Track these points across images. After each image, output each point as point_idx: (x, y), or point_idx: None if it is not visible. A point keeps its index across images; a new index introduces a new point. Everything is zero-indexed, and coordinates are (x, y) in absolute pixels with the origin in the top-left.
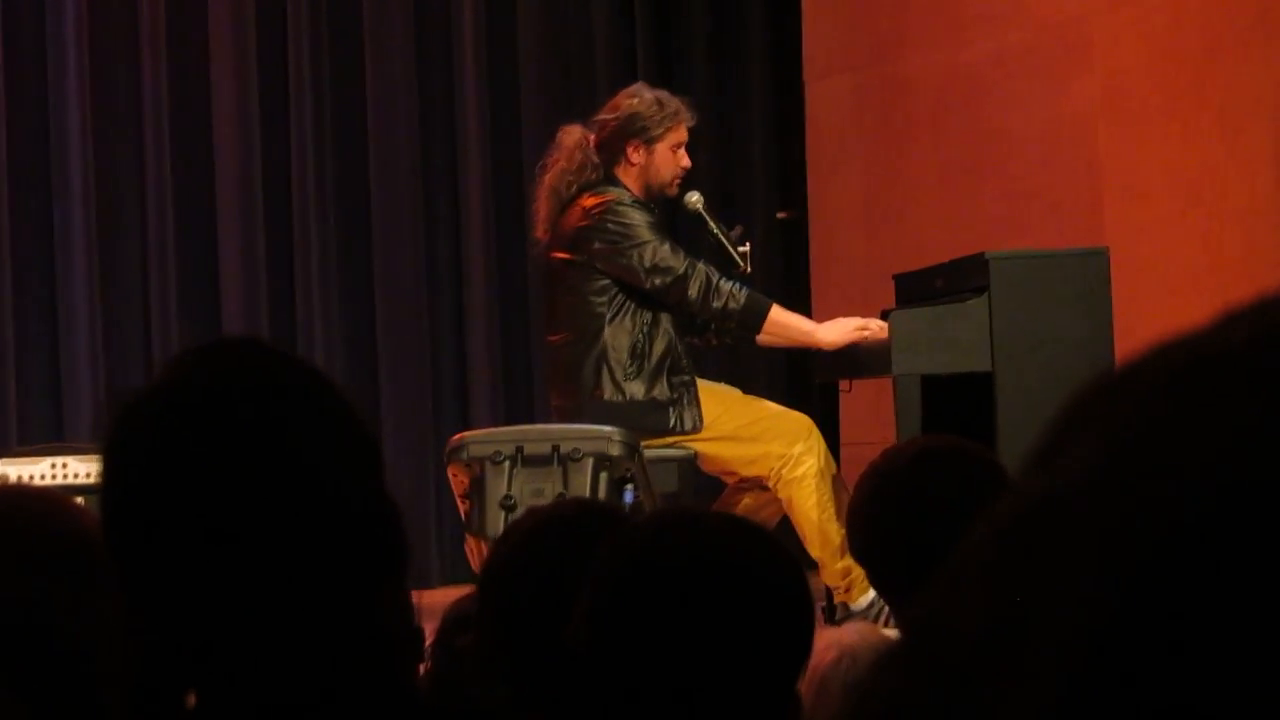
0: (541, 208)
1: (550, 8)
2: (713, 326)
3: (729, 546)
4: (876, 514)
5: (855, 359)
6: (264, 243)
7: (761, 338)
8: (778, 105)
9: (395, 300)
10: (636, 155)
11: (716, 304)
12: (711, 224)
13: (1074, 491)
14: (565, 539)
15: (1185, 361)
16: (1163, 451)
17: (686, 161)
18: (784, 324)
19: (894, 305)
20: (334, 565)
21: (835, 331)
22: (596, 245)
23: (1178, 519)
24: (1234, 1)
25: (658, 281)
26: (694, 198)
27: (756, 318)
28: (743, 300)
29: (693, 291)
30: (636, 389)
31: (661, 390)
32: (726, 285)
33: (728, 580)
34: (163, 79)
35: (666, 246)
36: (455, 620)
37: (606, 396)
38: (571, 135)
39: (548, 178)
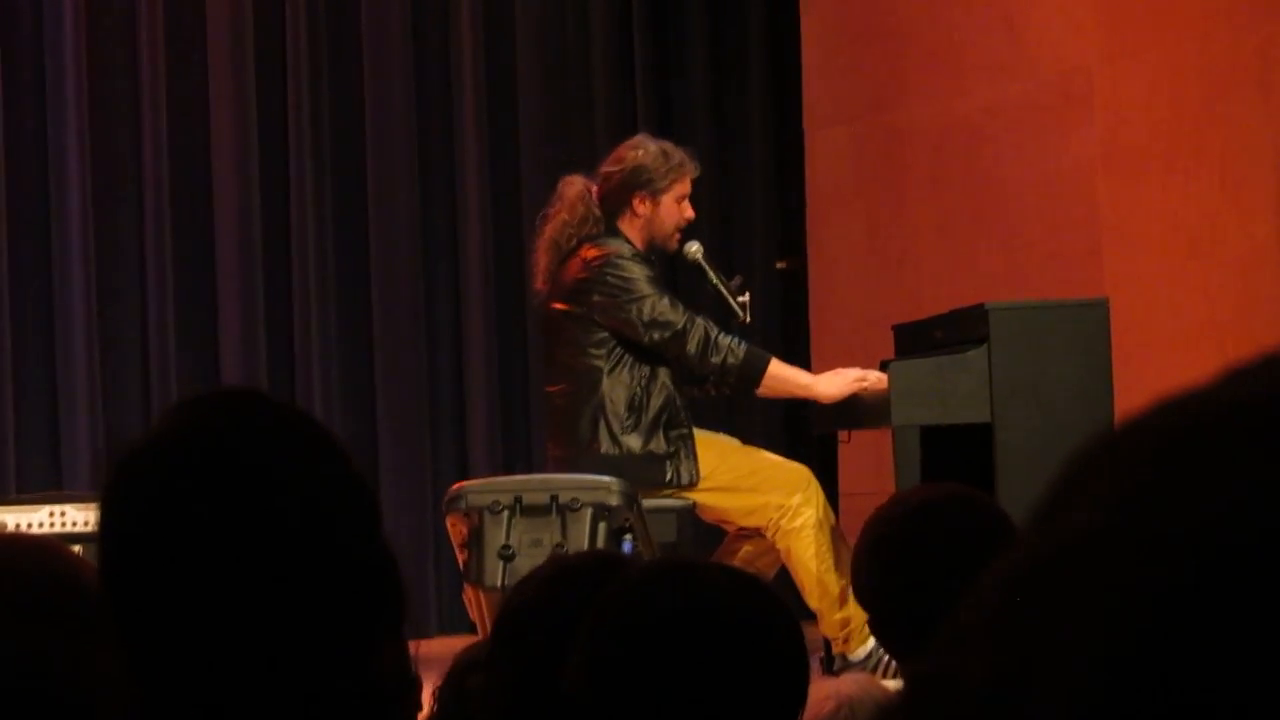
0: (541, 259)
1: (550, 56)
2: (711, 379)
3: (724, 596)
4: (881, 559)
5: (854, 410)
6: (263, 291)
7: (760, 390)
8: (777, 155)
9: (394, 349)
10: (642, 207)
11: (715, 359)
12: (711, 274)
13: (1078, 549)
14: (583, 588)
15: (1189, 418)
16: (1166, 509)
17: (690, 213)
18: (783, 378)
19: (893, 356)
20: (332, 615)
21: (834, 384)
22: (595, 298)
23: (1182, 577)
24: (1234, 53)
25: (656, 336)
26: (694, 248)
27: (755, 373)
28: (741, 355)
29: (691, 347)
30: (633, 442)
31: (658, 444)
32: (725, 340)
33: (723, 630)
34: (163, 134)
35: (665, 300)
36: (468, 663)
37: (603, 450)
38: (573, 187)
39: (548, 229)
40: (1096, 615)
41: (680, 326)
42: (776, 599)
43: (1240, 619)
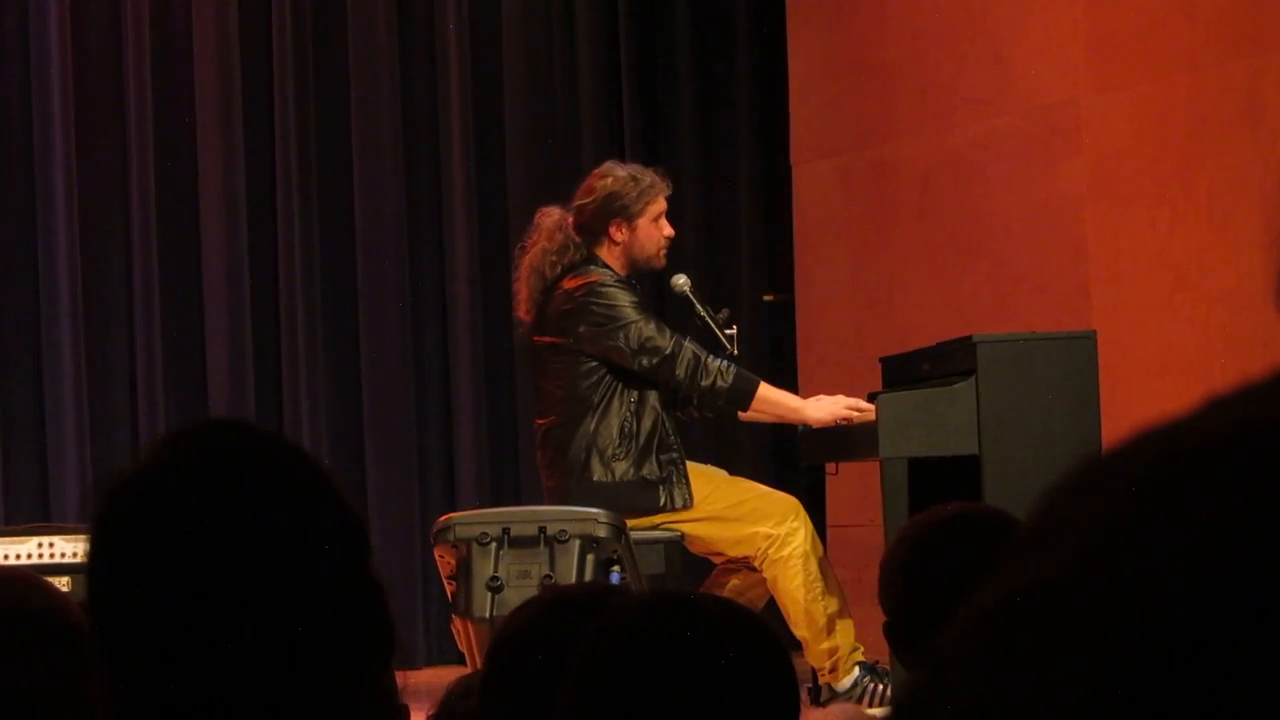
0: (523, 287)
1: (536, 93)
2: (699, 401)
3: (715, 627)
4: (909, 573)
5: (842, 441)
6: (250, 320)
7: (747, 413)
8: (764, 188)
9: (381, 382)
10: (620, 234)
11: (705, 381)
12: (699, 307)
13: (1058, 579)
14: (576, 617)
15: (1170, 448)
16: (1146, 540)
17: (669, 230)
18: (772, 400)
19: (881, 388)
20: (320, 645)
21: (823, 410)
22: (582, 328)
23: (1161, 608)
24: (1221, 85)
25: (645, 362)
26: (681, 281)
27: (745, 396)
28: (731, 378)
29: (680, 370)
30: (626, 469)
31: (650, 469)
32: (714, 363)
33: (714, 661)
34: (150, 168)
35: (652, 325)
36: (464, 691)
37: (596, 478)
38: (550, 217)
39: (528, 258)
40: (1076, 647)
41: (669, 350)
42: (768, 630)
43: (1217, 652)
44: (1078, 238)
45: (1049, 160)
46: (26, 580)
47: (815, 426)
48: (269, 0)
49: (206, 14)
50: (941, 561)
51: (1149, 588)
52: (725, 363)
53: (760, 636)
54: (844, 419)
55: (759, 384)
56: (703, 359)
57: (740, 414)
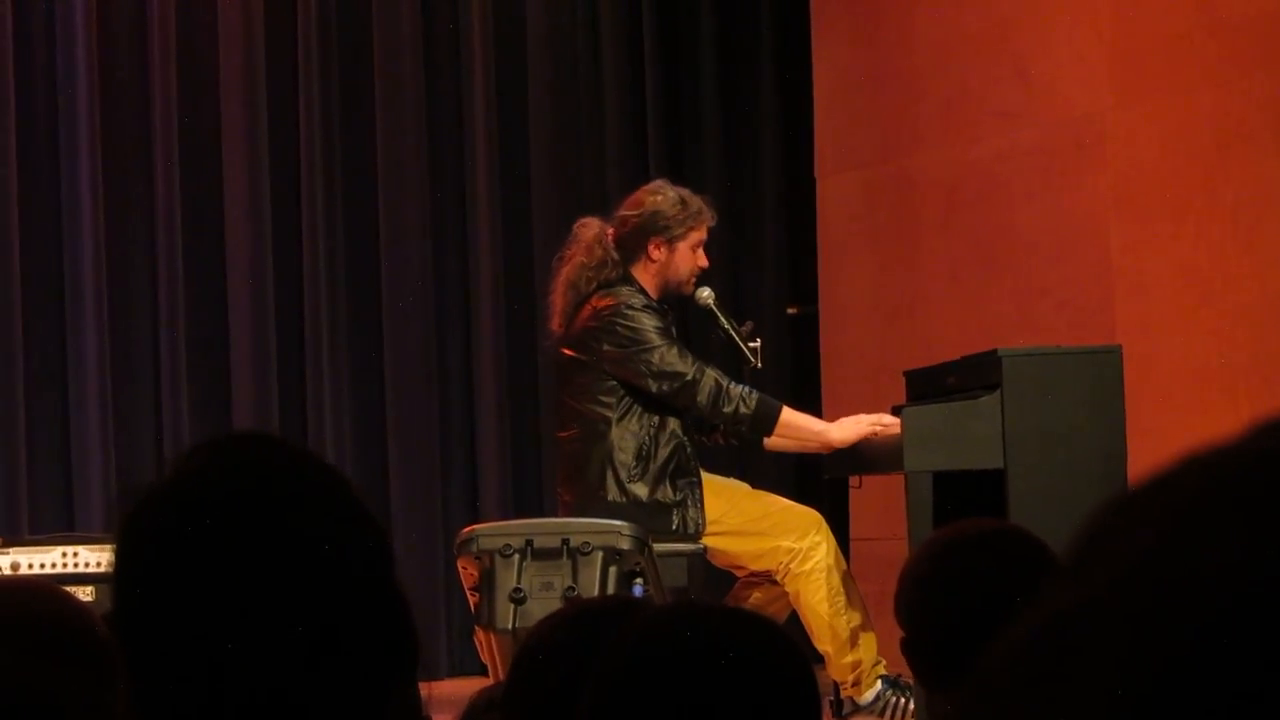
0: (558, 300)
1: (562, 103)
2: (722, 428)
3: (734, 640)
4: (928, 590)
5: (866, 455)
6: (274, 334)
7: (771, 441)
8: (789, 201)
9: (405, 393)
10: (658, 252)
11: (727, 409)
12: (723, 320)
13: (1100, 602)
14: (600, 630)
15: (1216, 473)
16: (1188, 562)
17: (704, 261)
18: (795, 426)
19: (905, 401)
20: (343, 659)
21: (846, 430)
22: (605, 347)
23: (1202, 629)
24: (1245, 98)
25: (665, 387)
26: (705, 293)
27: (768, 422)
28: (753, 405)
29: (702, 397)
30: (640, 491)
31: (665, 493)
32: (736, 390)
33: (732, 674)
34: (175, 178)
35: (675, 351)
36: (487, 703)
37: (611, 498)
38: (590, 229)
39: (565, 270)
40: (1121, 670)
41: (690, 377)
42: (790, 641)
43: (1258, 673)
44: (1102, 251)
45: (1073, 174)
46: (48, 591)
47: (840, 447)
48: (294, 4)
49: (231, 19)
50: (961, 579)
51: (1190, 610)
52: (748, 389)
53: (780, 647)
54: (868, 437)
55: (782, 409)
56: (725, 386)
57: (765, 443)
